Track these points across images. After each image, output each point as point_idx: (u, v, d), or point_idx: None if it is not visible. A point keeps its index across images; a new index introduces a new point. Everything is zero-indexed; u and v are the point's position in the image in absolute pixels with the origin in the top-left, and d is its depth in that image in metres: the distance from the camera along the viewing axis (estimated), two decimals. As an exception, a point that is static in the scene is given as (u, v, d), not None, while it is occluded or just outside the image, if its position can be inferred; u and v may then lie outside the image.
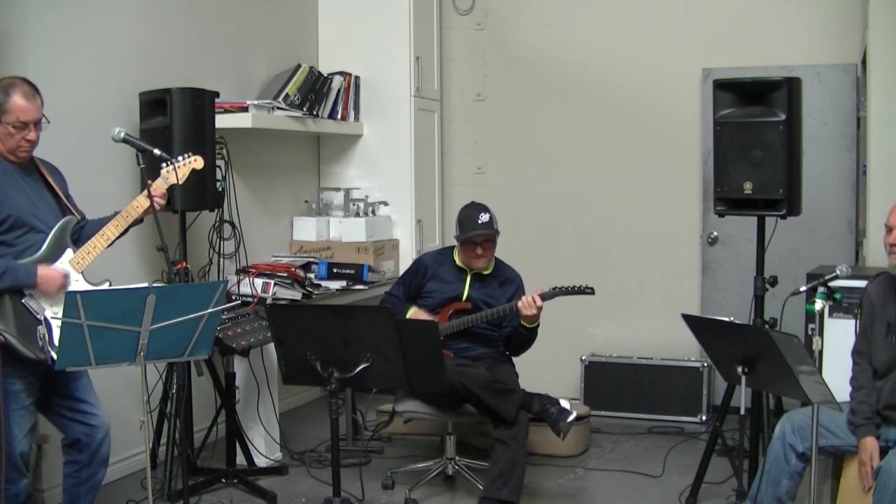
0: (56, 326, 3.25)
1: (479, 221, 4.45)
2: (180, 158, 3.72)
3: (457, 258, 4.58)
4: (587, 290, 4.30)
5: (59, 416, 3.50)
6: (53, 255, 3.39)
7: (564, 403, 4.26)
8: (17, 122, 3.30)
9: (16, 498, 3.37)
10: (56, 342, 3.23)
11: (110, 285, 3.47)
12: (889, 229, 3.50)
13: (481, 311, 4.46)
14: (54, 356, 3.19)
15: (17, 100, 3.29)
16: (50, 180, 3.50)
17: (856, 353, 3.66)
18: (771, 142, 4.06)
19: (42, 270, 3.30)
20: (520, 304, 4.28)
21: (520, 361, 4.62)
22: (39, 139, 3.41)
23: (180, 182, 3.69)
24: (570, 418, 4.21)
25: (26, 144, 3.35)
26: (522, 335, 4.42)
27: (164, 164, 3.66)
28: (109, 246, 3.52)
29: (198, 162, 3.76)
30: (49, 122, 3.43)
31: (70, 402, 3.48)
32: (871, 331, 3.60)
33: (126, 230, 3.57)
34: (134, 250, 4.63)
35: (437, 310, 4.51)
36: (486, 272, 4.57)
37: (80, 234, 3.53)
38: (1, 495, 3.29)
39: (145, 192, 3.54)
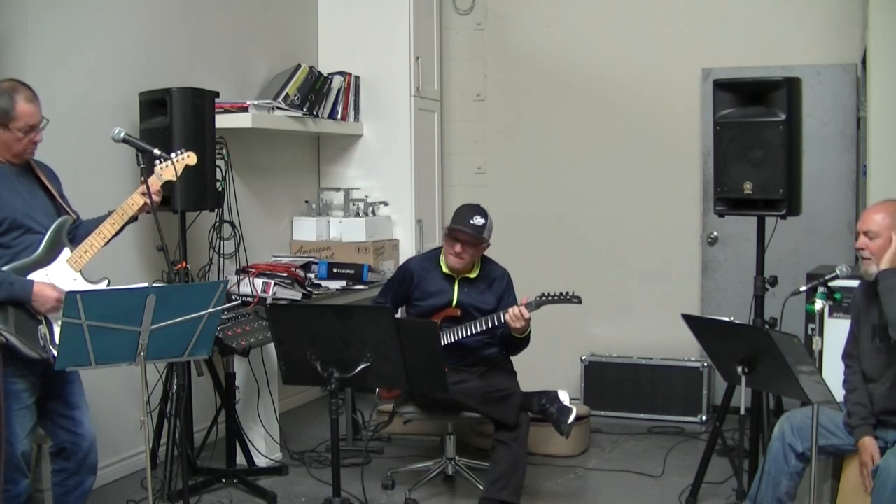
0: (57, 325, 3.25)
1: (470, 221, 4.34)
2: (173, 155, 3.72)
3: (443, 264, 4.49)
4: (574, 299, 4.21)
5: (48, 422, 3.49)
6: (50, 255, 3.39)
7: (563, 397, 4.25)
8: (26, 126, 3.31)
9: (17, 498, 3.36)
10: (57, 341, 3.24)
11: (109, 283, 3.47)
12: (857, 234, 3.51)
13: (471, 316, 4.39)
14: (56, 354, 3.20)
15: (24, 105, 3.31)
16: (45, 181, 3.50)
17: (846, 355, 3.66)
18: (771, 142, 4.06)
19: (38, 287, 3.28)
20: (507, 317, 4.20)
21: (520, 362, 4.61)
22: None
23: (175, 178, 3.70)
24: (571, 418, 4.21)
25: (32, 147, 3.38)
26: (514, 341, 4.38)
27: (158, 161, 3.66)
28: (106, 244, 3.52)
29: (190, 158, 3.76)
30: (48, 121, 3.44)
31: (61, 408, 3.46)
32: (859, 334, 3.60)
33: (122, 228, 3.57)
34: (134, 250, 4.64)
35: (427, 318, 4.47)
36: (473, 275, 4.49)
37: (75, 233, 3.53)
38: (0, 496, 3.29)
39: (140, 189, 3.54)
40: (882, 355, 3.47)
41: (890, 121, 4.78)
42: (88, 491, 3.58)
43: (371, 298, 4.91)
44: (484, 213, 4.41)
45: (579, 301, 4.22)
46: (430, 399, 4.26)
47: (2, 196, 3.31)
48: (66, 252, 3.42)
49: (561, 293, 4.23)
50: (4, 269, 3.29)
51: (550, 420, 4.22)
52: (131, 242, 4.55)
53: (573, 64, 6.28)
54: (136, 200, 3.53)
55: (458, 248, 4.37)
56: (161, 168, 3.66)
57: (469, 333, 4.34)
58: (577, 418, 4.34)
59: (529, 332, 4.34)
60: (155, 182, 3.60)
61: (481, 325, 4.32)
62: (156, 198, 3.58)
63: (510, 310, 4.21)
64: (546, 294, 4.24)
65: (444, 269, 4.48)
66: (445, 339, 4.33)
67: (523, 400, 4.20)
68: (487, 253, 4.58)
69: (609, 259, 6.17)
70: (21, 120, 3.30)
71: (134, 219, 3.59)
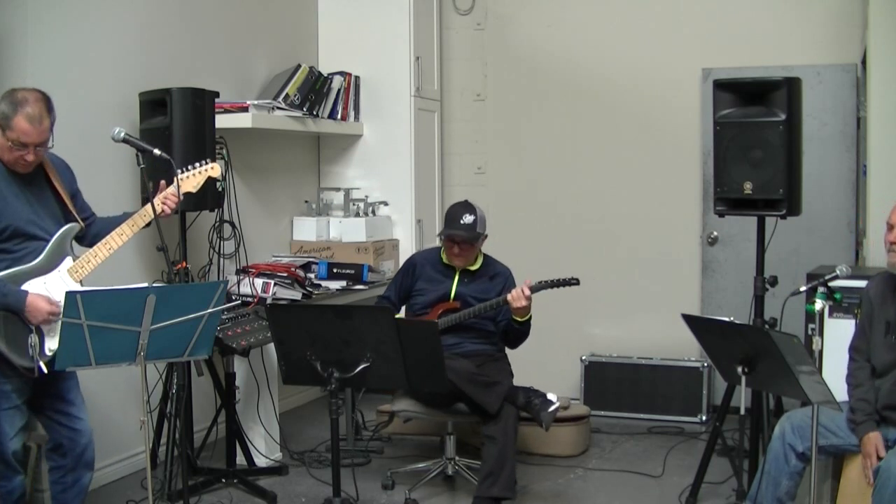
0: (49, 337, 3.26)
1: (462, 222, 4.46)
2: (197, 165, 3.72)
3: (444, 256, 4.59)
4: (573, 282, 4.31)
5: (45, 418, 3.49)
6: (52, 264, 3.37)
7: (550, 396, 4.26)
8: (17, 141, 3.25)
9: (10, 495, 3.36)
10: (48, 351, 3.25)
11: None
12: (890, 227, 3.49)
13: (471, 306, 4.46)
14: (42, 366, 3.22)
15: (21, 121, 3.22)
16: (55, 183, 3.47)
17: (853, 349, 3.66)
18: (771, 142, 4.06)
19: (31, 299, 3.25)
20: (509, 297, 4.27)
21: (519, 361, 4.62)
22: (41, 157, 3.36)
23: (195, 190, 3.70)
24: (552, 408, 4.21)
25: (24, 163, 3.31)
26: (515, 329, 4.41)
27: (179, 171, 3.64)
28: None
29: (214, 170, 3.76)
30: (52, 146, 3.38)
31: (57, 404, 3.46)
32: (870, 329, 3.60)
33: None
34: (134, 250, 4.63)
35: (427, 310, 4.51)
36: (474, 268, 4.57)
37: (86, 232, 3.53)
38: None
39: (156, 198, 3.53)
40: (893, 352, 3.47)
41: (890, 121, 4.77)
42: (87, 487, 3.58)
43: (376, 297, 4.91)
44: (472, 209, 4.50)
45: (577, 283, 4.32)
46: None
47: (7, 202, 3.30)
48: (69, 261, 3.41)
49: (559, 278, 4.32)
50: (1, 274, 3.27)
51: (533, 412, 4.22)
52: (131, 242, 4.48)
53: (573, 64, 6.28)
54: (149, 212, 3.51)
55: (455, 249, 4.49)
56: (180, 179, 3.64)
57: (470, 317, 4.41)
58: (576, 418, 4.36)
59: (530, 318, 4.37)
60: (173, 196, 3.59)
61: (482, 310, 4.39)
62: (174, 208, 3.60)
63: (513, 290, 4.28)
64: (545, 280, 4.31)
65: (445, 261, 4.58)
66: (445, 325, 4.39)
67: (509, 392, 4.21)
68: (491, 253, 4.65)
69: (609, 259, 6.16)
70: (14, 132, 3.23)
71: (147, 225, 3.57)
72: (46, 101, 3.31)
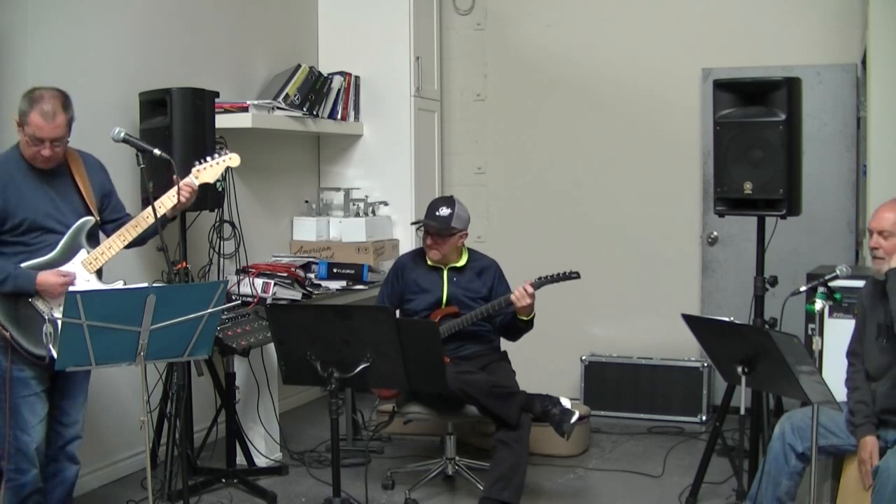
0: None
1: (437, 213, 4.47)
2: (216, 156, 3.74)
3: (428, 257, 4.59)
4: (573, 275, 4.28)
5: None
6: (66, 257, 3.43)
7: (565, 402, 4.27)
8: (32, 136, 3.33)
9: (22, 489, 3.37)
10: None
11: (125, 285, 3.49)
12: (871, 233, 3.51)
13: (465, 305, 4.45)
14: (55, 353, 3.21)
15: (36, 116, 3.31)
16: (78, 179, 3.50)
17: (850, 353, 3.66)
18: (771, 142, 4.06)
19: (41, 277, 3.32)
20: (513, 297, 4.27)
21: (519, 361, 4.62)
22: (60, 153, 3.41)
23: (213, 181, 3.72)
24: (574, 419, 4.22)
25: (41, 158, 3.38)
26: (519, 326, 4.43)
27: (196, 162, 3.69)
28: (131, 245, 3.56)
29: (233, 160, 3.78)
30: (68, 142, 3.43)
31: (56, 397, 3.49)
32: (864, 333, 3.60)
33: (162, 227, 3.57)
34: (134, 250, 4.60)
35: (425, 315, 4.50)
36: (460, 264, 4.56)
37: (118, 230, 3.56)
38: (1, 483, 3.31)
39: (170, 192, 3.57)
40: (886, 354, 3.47)
41: (890, 121, 4.78)
42: (71, 482, 3.60)
43: (375, 299, 4.92)
44: (451, 204, 4.50)
45: (578, 276, 4.28)
46: (434, 394, 4.27)
47: (24, 197, 3.36)
48: (83, 253, 3.46)
49: (560, 272, 4.29)
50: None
51: (552, 422, 4.22)
52: (131, 242, 4.55)
53: (573, 64, 6.28)
54: (164, 203, 3.56)
55: (429, 240, 4.51)
56: (197, 170, 3.68)
57: (471, 322, 4.39)
58: (580, 418, 4.35)
59: (534, 316, 4.38)
60: (186, 187, 3.62)
61: (485, 313, 4.37)
62: (189, 198, 3.62)
63: (516, 290, 4.27)
64: (545, 275, 4.30)
65: (430, 262, 4.57)
66: (448, 332, 4.37)
67: (526, 400, 4.21)
68: (491, 253, 4.67)
69: (609, 259, 6.16)
70: (30, 127, 3.33)
71: (172, 218, 3.62)
72: (63, 99, 3.38)
